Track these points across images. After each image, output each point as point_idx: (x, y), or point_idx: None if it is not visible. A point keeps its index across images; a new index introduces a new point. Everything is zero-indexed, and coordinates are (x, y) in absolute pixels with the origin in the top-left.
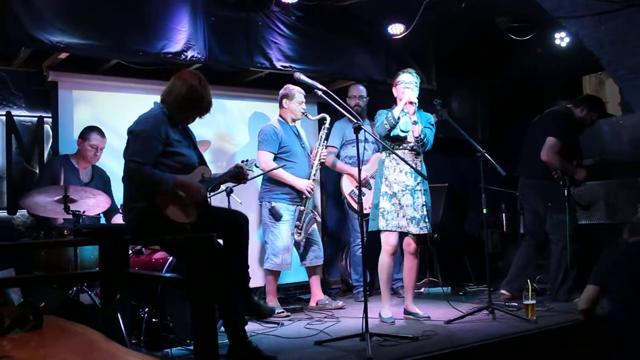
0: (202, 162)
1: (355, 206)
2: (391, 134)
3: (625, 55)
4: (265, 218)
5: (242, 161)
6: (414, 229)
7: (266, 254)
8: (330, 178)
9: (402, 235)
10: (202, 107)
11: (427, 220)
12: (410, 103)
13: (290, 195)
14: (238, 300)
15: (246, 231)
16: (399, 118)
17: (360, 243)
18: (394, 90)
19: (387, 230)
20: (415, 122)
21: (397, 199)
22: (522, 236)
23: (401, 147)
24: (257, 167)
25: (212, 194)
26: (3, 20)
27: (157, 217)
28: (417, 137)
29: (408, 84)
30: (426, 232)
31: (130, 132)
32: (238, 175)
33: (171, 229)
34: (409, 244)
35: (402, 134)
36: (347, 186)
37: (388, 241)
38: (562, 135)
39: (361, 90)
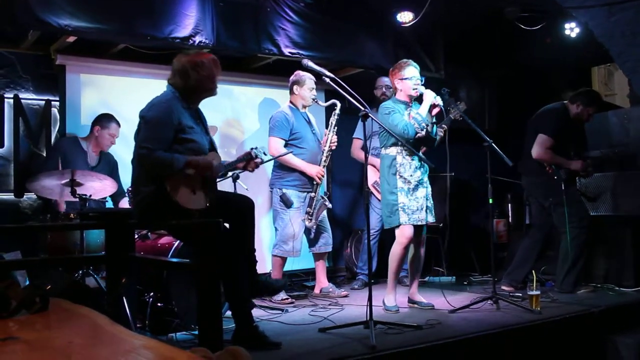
0: (213, 148)
1: (379, 196)
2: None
3: (635, 47)
4: (276, 205)
5: (252, 148)
6: (430, 218)
7: (275, 240)
8: (338, 165)
9: (415, 227)
10: (213, 85)
11: (432, 209)
12: (435, 106)
13: (300, 182)
14: (244, 284)
15: (252, 215)
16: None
17: (375, 234)
18: (398, 83)
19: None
20: (433, 123)
21: (414, 193)
22: (527, 227)
23: (412, 143)
24: (265, 154)
25: (219, 180)
26: (11, 2)
27: (165, 202)
28: (432, 138)
29: (418, 79)
30: (434, 220)
31: (142, 116)
32: (248, 162)
33: (178, 214)
34: (419, 235)
35: (421, 134)
36: (371, 177)
37: (405, 234)
38: (552, 132)
39: (386, 80)
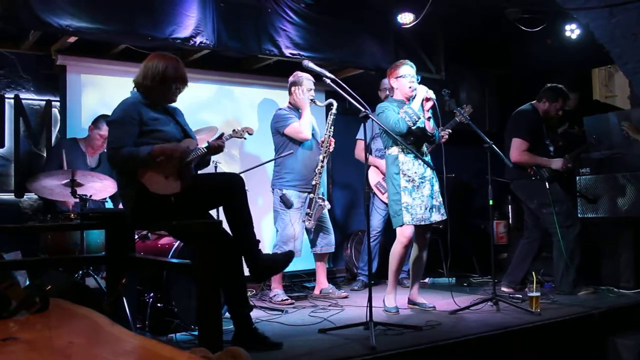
0: (188, 135)
1: (382, 197)
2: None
3: (635, 49)
4: (276, 205)
5: (234, 130)
6: (437, 217)
7: (276, 240)
8: (339, 167)
9: (419, 226)
10: (173, 82)
11: (444, 205)
12: (428, 99)
13: (300, 183)
14: (243, 285)
15: (239, 190)
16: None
17: (377, 235)
18: (394, 82)
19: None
20: (429, 118)
21: (418, 191)
22: (525, 228)
23: (411, 141)
24: (250, 134)
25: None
26: (12, 2)
27: (147, 199)
28: (430, 133)
29: (413, 77)
30: (445, 217)
31: (107, 123)
32: (213, 147)
33: (160, 207)
34: (423, 236)
35: (414, 128)
36: (374, 178)
37: (404, 233)
38: (524, 134)
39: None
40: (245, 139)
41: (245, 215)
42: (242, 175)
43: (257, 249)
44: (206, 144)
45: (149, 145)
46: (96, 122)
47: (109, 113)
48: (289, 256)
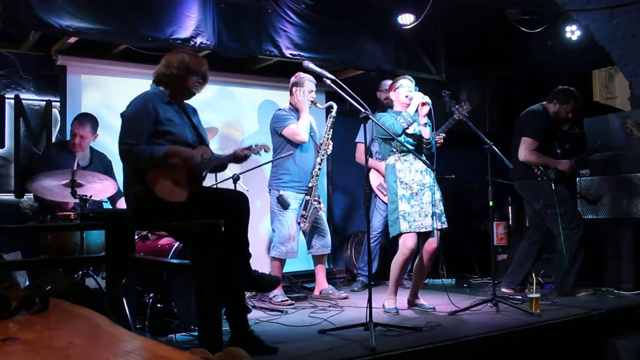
0: (203, 142)
1: (384, 199)
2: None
3: (636, 50)
4: (273, 206)
5: (255, 145)
6: (438, 224)
7: (273, 241)
8: (339, 168)
9: (422, 235)
10: (196, 74)
11: (444, 213)
12: (423, 104)
13: (298, 184)
14: (241, 288)
15: (242, 209)
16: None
17: (377, 235)
18: (392, 94)
19: (406, 233)
20: (425, 124)
21: (417, 199)
22: (527, 229)
23: (408, 148)
24: (266, 151)
25: (218, 180)
26: (13, 3)
27: (152, 201)
28: (427, 140)
29: (411, 88)
30: (446, 225)
31: (121, 116)
32: (240, 156)
33: (164, 212)
34: (430, 243)
35: (409, 131)
36: (375, 180)
37: (407, 244)
38: (535, 133)
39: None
40: (260, 155)
41: (244, 236)
42: (240, 176)
43: (248, 264)
44: (232, 152)
45: (164, 146)
46: (73, 121)
47: (109, 113)
48: (274, 282)
